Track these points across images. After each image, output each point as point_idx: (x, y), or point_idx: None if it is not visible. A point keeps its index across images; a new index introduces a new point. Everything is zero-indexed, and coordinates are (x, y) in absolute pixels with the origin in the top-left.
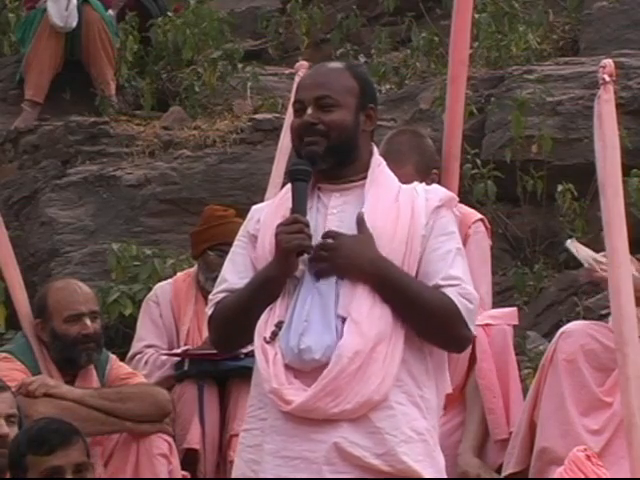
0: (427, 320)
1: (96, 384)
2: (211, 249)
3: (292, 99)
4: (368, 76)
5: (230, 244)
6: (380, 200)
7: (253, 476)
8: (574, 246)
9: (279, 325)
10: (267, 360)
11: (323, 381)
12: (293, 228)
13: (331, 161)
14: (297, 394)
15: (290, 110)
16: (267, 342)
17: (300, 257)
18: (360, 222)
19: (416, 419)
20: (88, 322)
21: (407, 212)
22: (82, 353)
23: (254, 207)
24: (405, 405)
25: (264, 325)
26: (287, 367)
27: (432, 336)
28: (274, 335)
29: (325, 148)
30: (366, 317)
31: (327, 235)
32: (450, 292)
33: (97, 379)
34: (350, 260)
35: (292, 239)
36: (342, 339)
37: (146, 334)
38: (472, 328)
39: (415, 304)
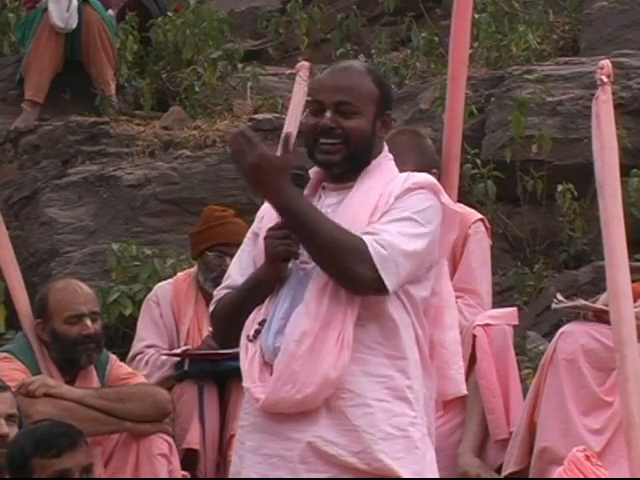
0: (328, 253)
1: (96, 384)
2: (210, 250)
3: (293, 97)
4: (386, 81)
5: (228, 245)
6: (361, 190)
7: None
8: (560, 301)
9: (262, 323)
10: (247, 358)
11: (277, 368)
12: (280, 234)
13: (345, 167)
14: (263, 391)
15: (290, 111)
16: (250, 340)
17: (287, 262)
18: (285, 141)
19: (399, 415)
20: (89, 322)
21: (378, 191)
22: (82, 353)
23: (263, 206)
24: (388, 401)
25: (250, 324)
26: (265, 365)
27: (334, 272)
28: (257, 333)
29: (343, 156)
30: (316, 297)
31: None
32: (365, 237)
33: (97, 379)
34: (262, 178)
35: (278, 244)
36: (288, 322)
37: (147, 334)
38: (383, 274)
39: (316, 235)
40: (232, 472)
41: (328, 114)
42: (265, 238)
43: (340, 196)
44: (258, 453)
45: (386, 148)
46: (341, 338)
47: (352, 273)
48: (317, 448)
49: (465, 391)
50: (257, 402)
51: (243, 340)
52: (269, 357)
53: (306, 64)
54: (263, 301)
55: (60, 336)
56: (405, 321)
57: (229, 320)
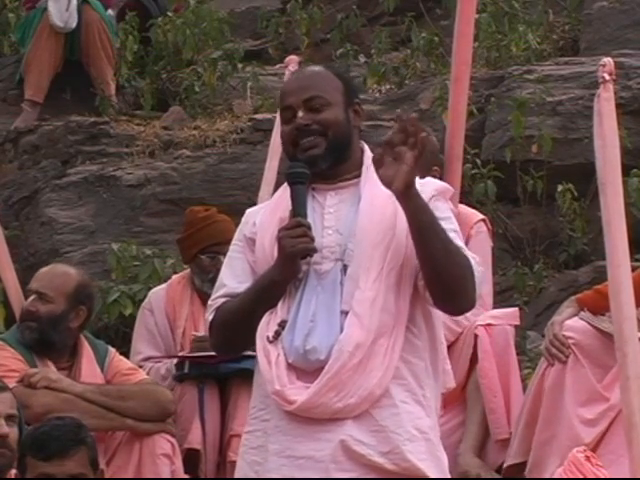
0: (454, 275)
1: (98, 374)
2: (202, 252)
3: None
4: (348, 74)
5: (219, 244)
6: (376, 196)
7: (255, 477)
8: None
9: (282, 324)
10: (269, 362)
11: (325, 376)
12: (296, 232)
13: (330, 160)
14: (300, 393)
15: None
16: (270, 342)
17: (303, 260)
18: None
19: (420, 417)
20: (30, 299)
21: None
22: (21, 327)
23: (248, 211)
24: (409, 404)
25: (266, 326)
26: (290, 368)
27: (450, 293)
28: (277, 335)
29: (324, 148)
30: (368, 309)
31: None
32: (468, 254)
33: (99, 370)
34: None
35: (297, 243)
36: (342, 333)
37: (142, 346)
38: (476, 296)
39: (448, 252)
40: (239, 476)
41: (300, 114)
42: (280, 238)
43: (338, 196)
44: (283, 455)
45: (367, 148)
46: (389, 353)
47: (462, 296)
48: (348, 447)
49: (454, 384)
50: (290, 404)
51: (261, 342)
52: (295, 359)
53: (295, 58)
54: (276, 303)
55: None
56: (421, 328)
57: (237, 326)
